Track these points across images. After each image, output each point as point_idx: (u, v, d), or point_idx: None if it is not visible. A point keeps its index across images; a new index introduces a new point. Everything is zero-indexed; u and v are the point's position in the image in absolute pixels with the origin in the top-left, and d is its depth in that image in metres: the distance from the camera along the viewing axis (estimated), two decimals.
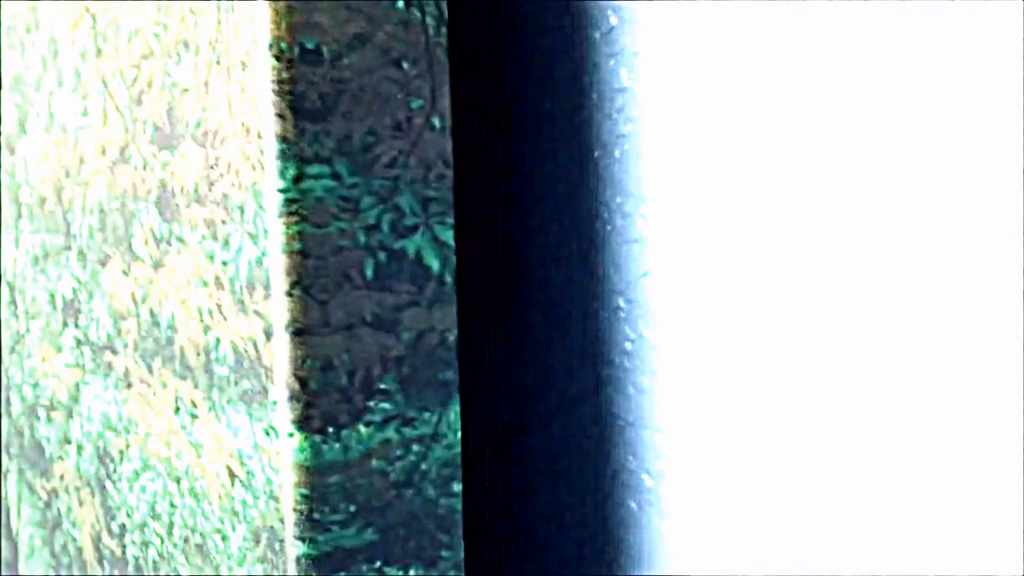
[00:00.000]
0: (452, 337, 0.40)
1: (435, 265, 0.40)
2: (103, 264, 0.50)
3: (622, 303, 0.40)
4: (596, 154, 0.40)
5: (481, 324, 0.46)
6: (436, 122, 0.39)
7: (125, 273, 0.48)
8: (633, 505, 0.41)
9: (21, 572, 0.65)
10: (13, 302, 0.61)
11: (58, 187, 0.53)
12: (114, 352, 0.50)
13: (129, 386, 0.48)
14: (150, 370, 0.46)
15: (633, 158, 0.39)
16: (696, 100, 0.37)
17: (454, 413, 0.41)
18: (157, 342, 0.46)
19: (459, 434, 0.41)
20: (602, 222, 0.41)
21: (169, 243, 0.44)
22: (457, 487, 0.41)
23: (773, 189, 0.36)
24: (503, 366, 0.45)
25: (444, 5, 0.39)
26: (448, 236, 0.40)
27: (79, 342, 0.53)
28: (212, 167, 0.40)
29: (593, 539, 0.42)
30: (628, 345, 0.40)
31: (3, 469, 0.65)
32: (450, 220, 0.40)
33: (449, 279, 0.40)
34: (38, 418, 0.59)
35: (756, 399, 0.37)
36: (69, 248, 0.53)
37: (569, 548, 0.44)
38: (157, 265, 0.45)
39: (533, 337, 0.43)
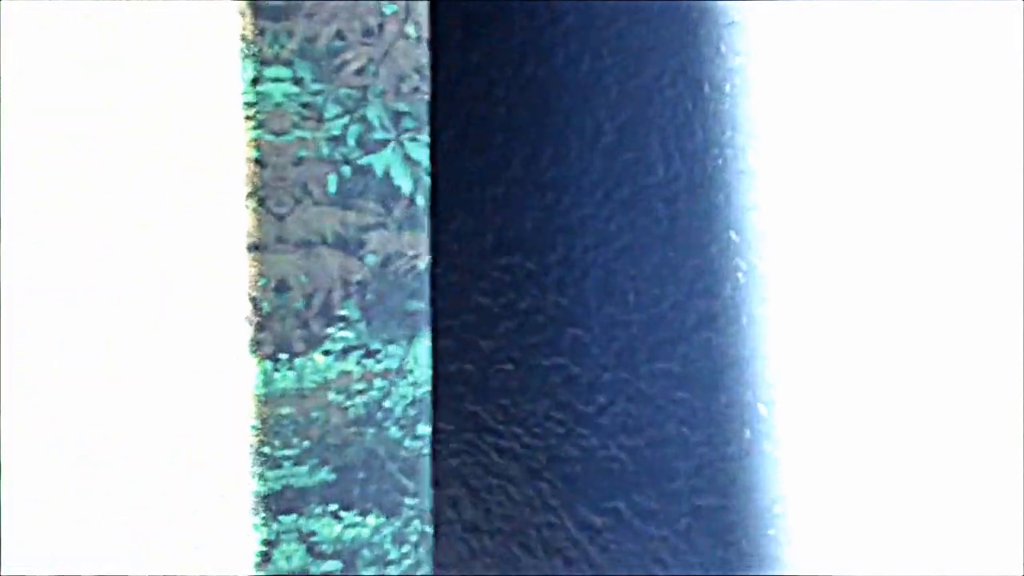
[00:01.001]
0: (423, 264, 0.37)
1: (406, 185, 0.37)
2: None
3: (733, 235, 0.39)
4: (706, 89, 0.39)
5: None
6: (411, 30, 0.37)
7: None
8: (747, 433, 0.38)
9: None
10: None
11: None
12: None
13: None
14: None
15: (742, 92, 0.38)
16: (808, 34, 0.37)
17: (423, 347, 0.37)
18: None
19: (429, 371, 0.38)
20: (712, 156, 0.39)
21: None
22: (424, 428, 0.38)
23: (883, 125, 0.35)
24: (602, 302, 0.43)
25: None
26: (422, 155, 0.37)
27: None
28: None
29: (707, 468, 0.40)
30: (740, 276, 0.39)
31: None
32: (424, 138, 0.37)
33: (422, 201, 0.37)
34: None
35: (864, 330, 0.36)
36: None
37: (680, 481, 0.41)
38: None
39: (640, 271, 0.41)
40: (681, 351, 0.41)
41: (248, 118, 0.34)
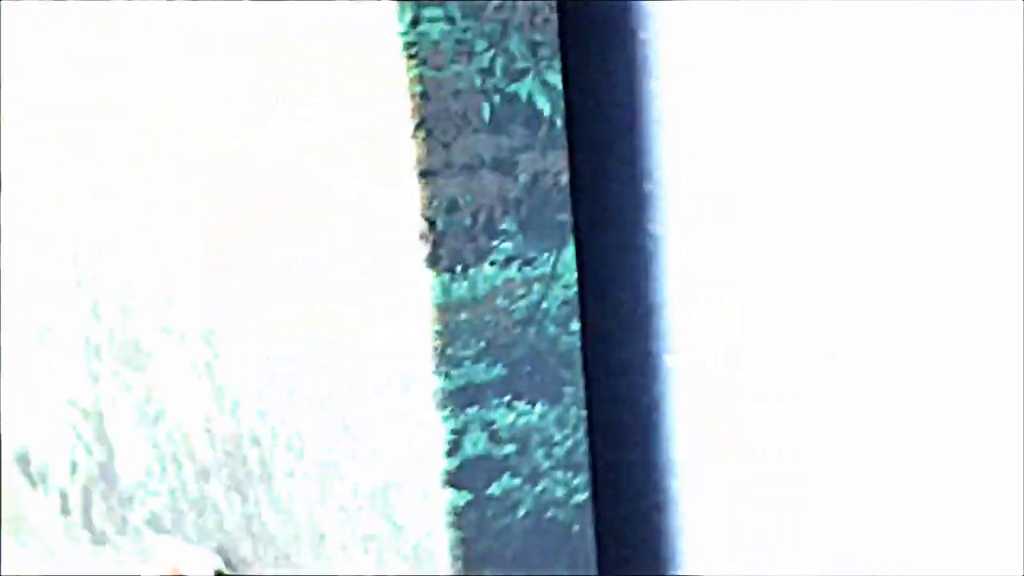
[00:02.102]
0: (565, 179, 0.42)
1: (546, 108, 0.41)
2: None
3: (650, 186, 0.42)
4: (641, 36, 0.41)
5: None
6: None
7: None
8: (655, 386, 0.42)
9: (116, 471, 0.67)
10: None
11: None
12: None
13: None
14: None
15: (667, 40, 0.40)
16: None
17: (569, 253, 0.42)
18: None
19: (575, 274, 0.42)
20: (626, 106, 0.42)
21: None
22: (575, 325, 0.42)
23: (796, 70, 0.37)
24: None
25: None
26: (556, 80, 0.41)
27: None
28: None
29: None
30: (656, 227, 0.42)
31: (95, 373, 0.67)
32: (557, 64, 0.41)
33: (559, 122, 0.41)
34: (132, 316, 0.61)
35: (779, 294, 0.38)
36: None
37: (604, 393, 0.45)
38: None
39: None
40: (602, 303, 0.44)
41: (411, 56, 0.38)
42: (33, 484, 0.69)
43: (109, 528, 0.67)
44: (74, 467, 0.66)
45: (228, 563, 0.56)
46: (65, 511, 0.68)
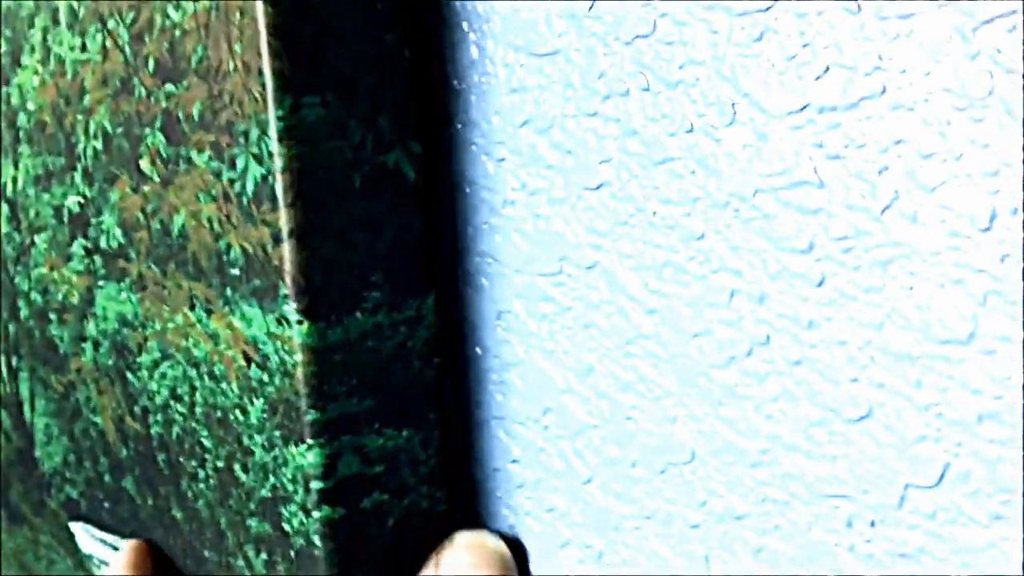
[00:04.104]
0: (425, 234, 0.48)
1: (411, 173, 0.47)
2: (110, 183, 0.56)
3: (505, 153, 0.45)
4: (481, 8, 0.45)
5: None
6: (406, 54, 0.46)
7: (134, 190, 0.54)
8: (519, 346, 0.47)
9: (35, 457, 0.72)
10: (14, 218, 0.67)
11: (59, 113, 0.59)
12: (127, 259, 0.56)
13: (144, 288, 0.56)
14: (164, 273, 0.54)
15: (525, 8, 0.44)
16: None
17: (431, 299, 0.48)
18: (169, 248, 0.53)
19: (434, 316, 0.49)
20: (485, 73, 0.46)
21: (177, 164, 0.51)
22: (436, 360, 0.49)
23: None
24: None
25: None
26: (418, 148, 0.47)
27: (89, 251, 0.60)
28: (215, 98, 0.47)
29: (485, 379, 0.50)
30: (512, 195, 0.46)
31: (13, 368, 0.72)
32: (417, 135, 0.47)
33: (421, 185, 0.48)
34: (50, 320, 0.66)
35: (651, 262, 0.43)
36: (74, 168, 0.59)
37: (464, 391, 0.51)
38: (165, 182, 0.52)
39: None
40: (458, 266, 0.47)
41: (290, 138, 0.44)
42: None
43: (26, 509, 0.73)
44: None
45: None
46: None
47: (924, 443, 0.36)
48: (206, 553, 0.56)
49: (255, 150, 0.45)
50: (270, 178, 0.45)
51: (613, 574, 0.47)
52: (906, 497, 0.37)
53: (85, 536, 0.67)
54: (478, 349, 0.49)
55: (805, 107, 0.37)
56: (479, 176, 0.48)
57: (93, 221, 0.59)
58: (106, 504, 0.65)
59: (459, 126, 0.48)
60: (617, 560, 0.46)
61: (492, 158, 0.47)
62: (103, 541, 0.66)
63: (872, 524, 0.38)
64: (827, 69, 0.36)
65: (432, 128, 0.49)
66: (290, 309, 0.46)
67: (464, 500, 0.52)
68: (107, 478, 0.64)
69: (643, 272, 0.43)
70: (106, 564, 0.66)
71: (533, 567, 0.49)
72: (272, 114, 0.44)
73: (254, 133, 0.45)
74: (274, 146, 0.44)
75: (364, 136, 0.46)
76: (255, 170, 0.46)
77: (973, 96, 0.34)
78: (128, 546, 0.59)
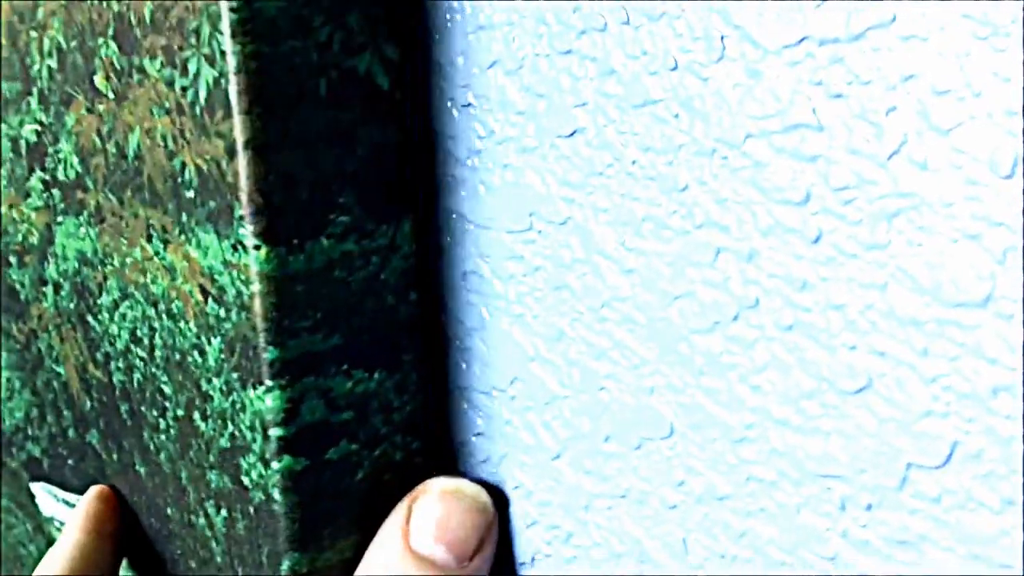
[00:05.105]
0: (403, 152, 0.42)
1: (384, 82, 0.42)
2: (66, 105, 0.51)
3: (471, 97, 0.42)
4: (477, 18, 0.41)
5: None
6: None
7: (89, 111, 0.49)
8: (484, 309, 0.43)
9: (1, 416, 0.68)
10: None
11: (12, 33, 0.54)
12: (84, 190, 0.51)
13: (102, 220, 0.50)
14: (121, 202, 0.48)
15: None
16: None
17: (408, 225, 0.43)
18: (125, 174, 0.48)
19: (414, 245, 0.43)
20: (449, 9, 0.42)
21: (130, 75, 0.45)
22: (414, 295, 0.44)
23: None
24: None
25: None
26: (394, 53, 0.42)
27: (47, 184, 0.55)
28: None
29: (448, 344, 0.46)
30: (478, 143, 0.42)
31: None
32: (394, 38, 0.42)
33: (398, 95, 0.42)
34: (9, 264, 0.61)
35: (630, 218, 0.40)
36: (30, 93, 0.54)
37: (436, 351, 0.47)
38: (120, 98, 0.47)
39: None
40: (422, 221, 0.44)
41: (245, 33, 0.39)
42: None
43: None
44: None
45: None
46: None
47: (930, 418, 0.33)
48: (169, 511, 0.51)
49: (207, 50, 0.40)
50: (223, 81, 0.39)
51: (583, 556, 0.42)
52: (908, 478, 0.34)
53: (47, 497, 0.62)
54: (440, 313, 0.44)
55: (803, 40, 0.33)
56: (442, 124, 0.43)
57: (50, 151, 0.54)
58: (70, 461, 0.60)
59: (420, 67, 0.42)
60: (587, 542, 0.41)
61: (456, 103, 0.42)
62: (66, 502, 0.61)
63: (869, 508, 0.35)
64: None
65: (409, 28, 0.43)
66: (246, 232, 0.40)
67: (445, 449, 0.46)
68: (71, 433, 0.59)
69: (620, 228, 0.39)
70: None
71: (498, 548, 0.44)
72: (224, 6, 0.39)
73: (205, 30, 0.40)
74: (227, 44, 0.39)
75: (331, 35, 0.40)
76: (207, 73, 0.40)
77: (996, 23, 0.29)
78: (92, 492, 0.54)
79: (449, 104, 0.43)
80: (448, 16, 0.42)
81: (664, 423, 0.39)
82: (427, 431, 0.45)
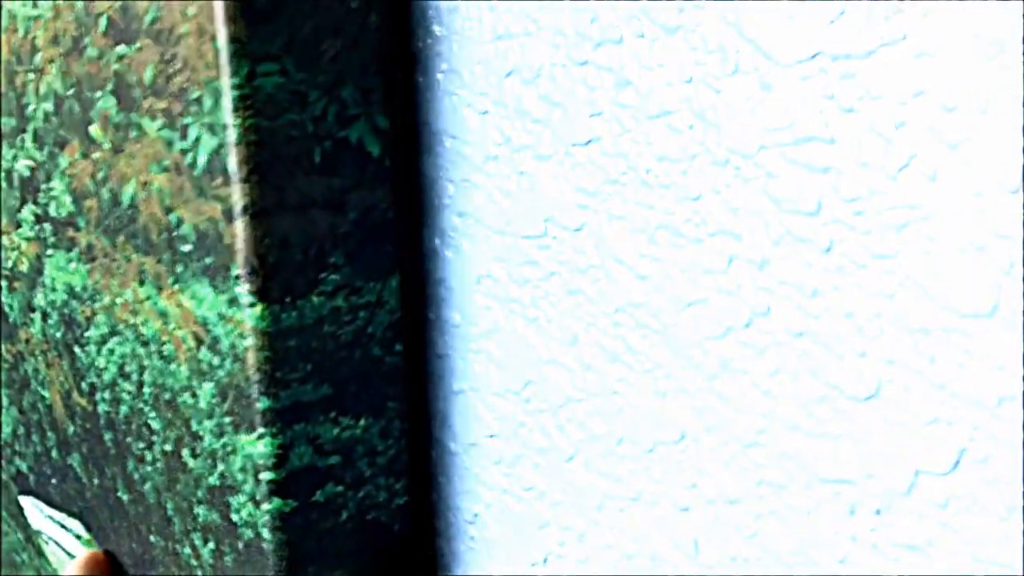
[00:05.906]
0: (391, 214, 0.45)
1: (375, 150, 0.44)
2: (61, 147, 0.53)
3: (489, 105, 0.43)
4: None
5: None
6: (373, 20, 0.43)
7: (84, 156, 0.51)
8: (499, 312, 0.44)
9: None
10: None
11: (10, 72, 0.56)
12: (76, 228, 0.54)
13: (93, 259, 0.53)
14: (113, 245, 0.51)
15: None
16: None
17: (395, 282, 0.46)
18: (119, 219, 0.50)
19: (399, 300, 0.46)
20: (468, 18, 0.42)
21: (128, 131, 0.48)
22: (399, 347, 0.46)
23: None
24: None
25: None
26: (385, 123, 0.44)
27: (39, 218, 0.57)
28: (168, 62, 0.44)
29: (463, 347, 0.47)
30: (495, 150, 0.43)
31: None
32: (387, 108, 0.44)
33: (388, 162, 0.45)
34: (0, 288, 0.63)
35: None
36: (25, 130, 0.56)
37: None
38: (116, 150, 0.49)
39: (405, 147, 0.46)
40: (435, 221, 0.44)
41: (245, 108, 0.41)
42: None
43: None
44: None
45: (88, 528, 0.60)
46: None
47: (937, 425, 0.33)
48: (152, 538, 0.54)
49: (208, 120, 0.43)
50: (223, 150, 0.42)
51: (595, 557, 0.44)
52: (916, 484, 0.34)
53: (35, 512, 0.64)
54: (456, 315, 0.46)
55: (816, 55, 0.34)
56: (460, 130, 0.44)
57: (43, 187, 0.56)
58: (53, 480, 0.62)
59: (439, 75, 0.44)
60: (599, 543, 0.44)
61: (474, 110, 0.44)
62: (51, 519, 0.63)
63: (877, 512, 0.35)
64: (841, 12, 0.33)
65: (402, 98, 0.46)
66: (242, 290, 0.43)
67: (427, 492, 0.49)
68: (54, 454, 0.61)
69: (634, 235, 0.40)
70: (55, 542, 0.64)
71: (510, 548, 0.47)
72: (226, 82, 0.41)
73: (208, 102, 0.42)
74: (228, 116, 0.41)
75: (326, 108, 0.43)
76: (208, 141, 0.43)
77: (1003, 42, 0.30)
78: (85, 554, 0.57)
79: (466, 111, 0.44)
80: (467, 25, 0.43)
81: (676, 427, 0.40)
82: (410, 473, 0.48)
